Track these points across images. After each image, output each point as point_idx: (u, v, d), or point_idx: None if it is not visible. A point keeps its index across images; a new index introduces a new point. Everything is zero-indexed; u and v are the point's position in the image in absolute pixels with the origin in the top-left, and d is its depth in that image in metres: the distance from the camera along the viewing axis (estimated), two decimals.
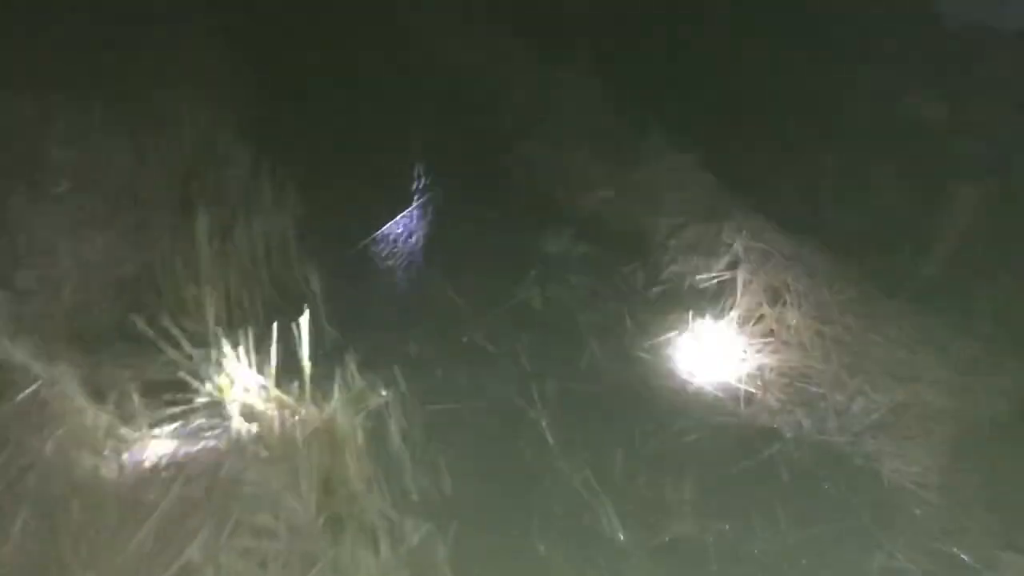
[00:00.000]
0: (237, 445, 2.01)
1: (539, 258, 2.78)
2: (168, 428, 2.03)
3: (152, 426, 2.01)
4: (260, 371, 2.17)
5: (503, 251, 2.83)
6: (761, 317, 2.48)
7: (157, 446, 2.02)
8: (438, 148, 3.25)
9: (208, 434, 2.05)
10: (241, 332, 2.33)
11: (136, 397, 2.00)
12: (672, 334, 2.46)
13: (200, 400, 2.11)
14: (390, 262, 2.70)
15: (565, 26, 3.79)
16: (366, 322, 2.44)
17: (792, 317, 2.43)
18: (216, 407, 2.10)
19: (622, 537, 1.87)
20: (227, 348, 2.24)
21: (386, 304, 2.55)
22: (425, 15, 4.01)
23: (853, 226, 2.99)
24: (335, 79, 3.54)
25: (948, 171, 2.70)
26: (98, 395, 2.04)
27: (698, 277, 2.64)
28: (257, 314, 2.43)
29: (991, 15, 2.27)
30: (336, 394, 2.03)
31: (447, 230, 2.88)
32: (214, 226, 2.61)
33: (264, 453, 2.03)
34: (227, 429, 2.06)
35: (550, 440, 2.04)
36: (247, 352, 2.27)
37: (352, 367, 2.22)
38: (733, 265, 2.64)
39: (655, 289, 2.67)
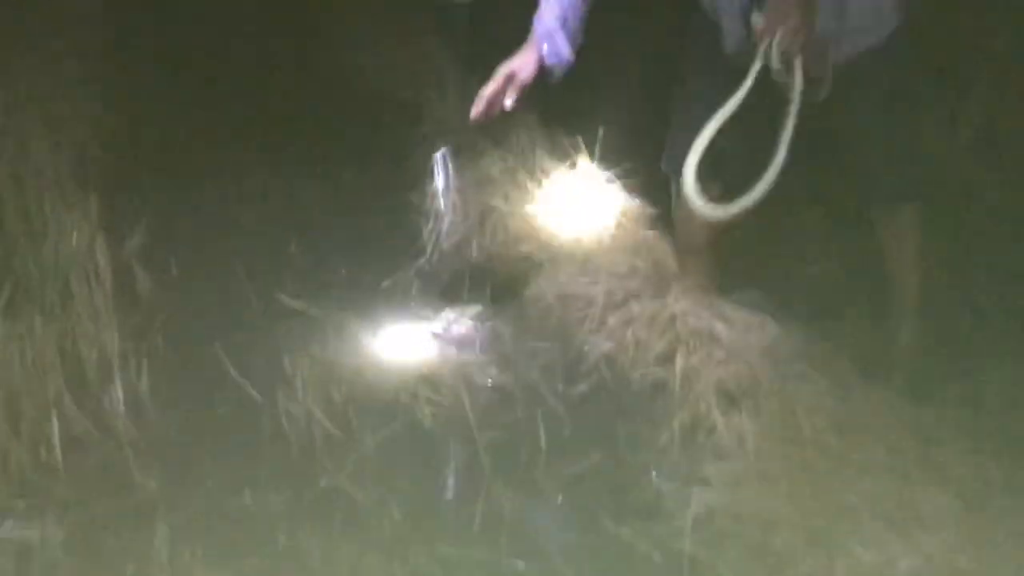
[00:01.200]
0: None
1: (435, 350, 2.22)
2: None
3: None
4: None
5: (385, 337, 2.25)
6: (712, 430, 1.92)
7: None
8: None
9: None
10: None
11: None
12: (596, 458, 1.90)
13: None
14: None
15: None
16: (196, 466, 1.87)
17: (750, 429, 1.88)
18: None
19: None
20: None
21: (229, 433, 1.96)
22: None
23: (805, 279, 2.45)
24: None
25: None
26: None
27: (633, 375, 2.08)
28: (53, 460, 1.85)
29: None
30: None
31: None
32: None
33: None
34: None
35: None
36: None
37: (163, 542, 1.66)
38: (673, 353, 2.09)
39: (578, 388, 2.10)
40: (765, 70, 1.87)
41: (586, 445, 1.93)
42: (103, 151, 2.81)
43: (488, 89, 2.08)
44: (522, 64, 2.07)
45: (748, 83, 1.90)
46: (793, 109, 1.88)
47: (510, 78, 2.07)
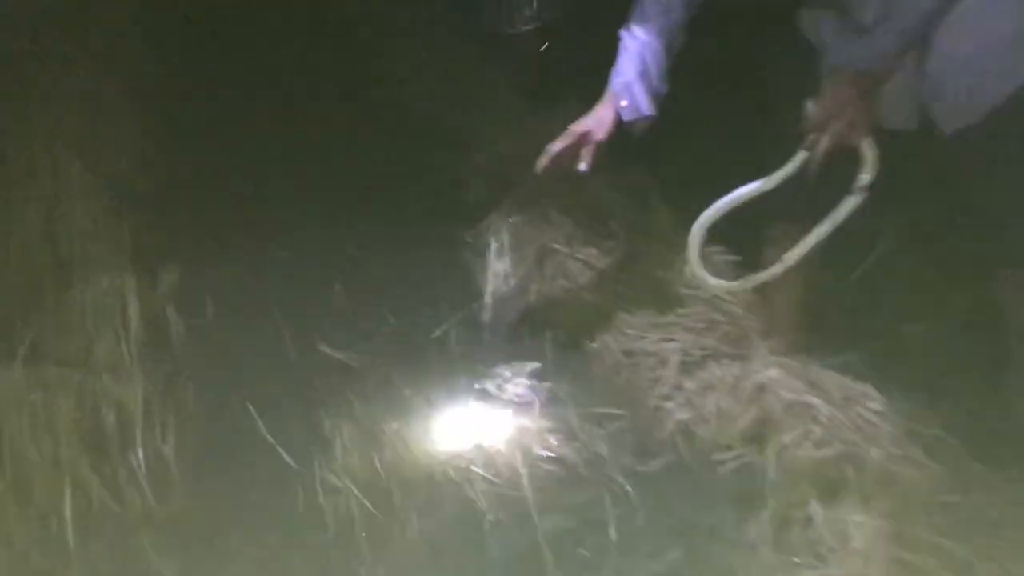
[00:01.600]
0: None
1: (489, 413, 1.99)
2: None
3: None
4: None
5: (434, 397, 2.03)
6: (809, 525, 1.66)
7: None
8: None
9: None
10: None
11: None
12: (674, 555, 1.65)
13: None
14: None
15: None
16: (220, 547, 1.66)
17: (854, 526, 1.61)
18: None
19: None
20: None
21: (258, 508, 1.76)
22: None
23: (910, 342, 2.17)
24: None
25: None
26: None
27: (715, 453, 1.83)
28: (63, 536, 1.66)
29: None
30: None
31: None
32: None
33: None
34: None
35: None
36: None
37: None
38: (762, 429, 1.83)
39: (651, 464, 1.86)
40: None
41: (662, 538, 1.68)
42: (140, 184, 2.64)
43: (557, 145, 1.90)
44: (598, 123, 1.89)
45: (789, 168, 1.74)
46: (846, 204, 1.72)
47: (584, 137, 1.88)
